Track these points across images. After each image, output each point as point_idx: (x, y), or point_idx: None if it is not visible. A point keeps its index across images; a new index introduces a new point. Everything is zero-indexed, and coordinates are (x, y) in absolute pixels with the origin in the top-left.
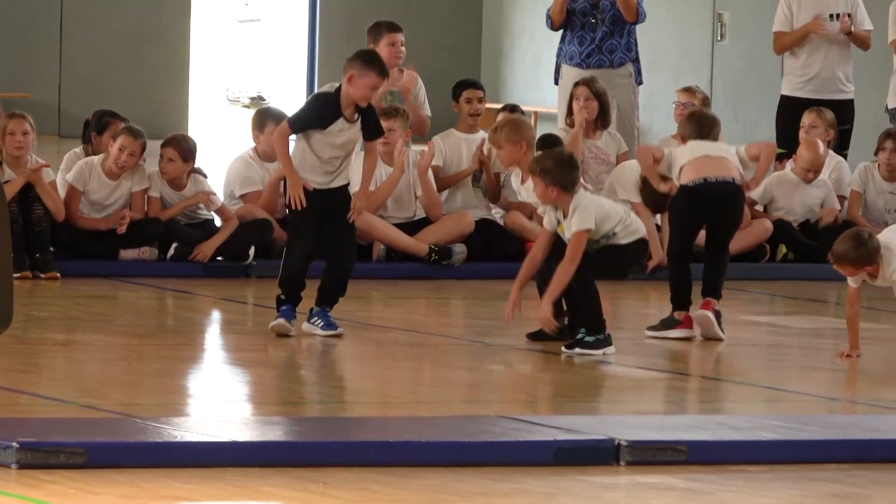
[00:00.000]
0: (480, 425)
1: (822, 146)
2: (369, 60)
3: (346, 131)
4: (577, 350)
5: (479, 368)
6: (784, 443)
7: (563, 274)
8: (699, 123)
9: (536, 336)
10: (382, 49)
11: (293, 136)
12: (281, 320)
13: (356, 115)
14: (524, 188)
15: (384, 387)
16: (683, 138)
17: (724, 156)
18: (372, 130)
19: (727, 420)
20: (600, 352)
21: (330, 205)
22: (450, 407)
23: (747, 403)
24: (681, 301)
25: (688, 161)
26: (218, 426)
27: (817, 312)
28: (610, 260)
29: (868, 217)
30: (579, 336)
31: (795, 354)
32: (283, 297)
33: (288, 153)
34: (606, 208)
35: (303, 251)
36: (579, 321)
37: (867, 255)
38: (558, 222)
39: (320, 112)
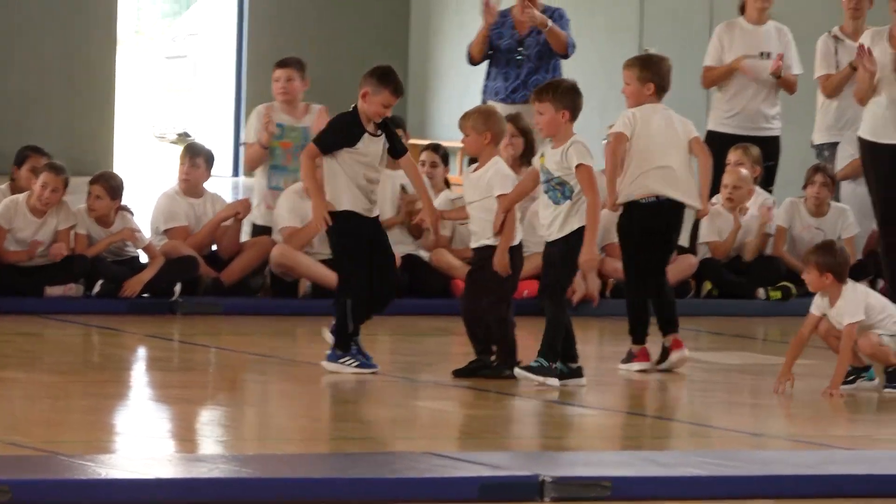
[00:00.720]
0: (406, 461)
1: (744, 172)
2: (384, 78)
3: (372, 145)
4: (522, 372)
5: (405, 405)
6: (709, 479)
7: None
8: None
9: (462, 373)
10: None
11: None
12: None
13: (378, 130)
14: (472, 179)
15: (310, 423)
16: None
17: None
18: (398, 147)
19: (652, 456)
20: (541, 378)
21: (371, 236)
22: (377, 444)
23: (673, 439)
24: (641, 335)
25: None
26: (144, 463)
27: (742, 348)
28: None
29: (794, 253)
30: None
31: (720, 390)
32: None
33: (314, 175)
34: None
35: (362, 277)
36: (503, 359)
37: (834, 263)
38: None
39: (347, 129)
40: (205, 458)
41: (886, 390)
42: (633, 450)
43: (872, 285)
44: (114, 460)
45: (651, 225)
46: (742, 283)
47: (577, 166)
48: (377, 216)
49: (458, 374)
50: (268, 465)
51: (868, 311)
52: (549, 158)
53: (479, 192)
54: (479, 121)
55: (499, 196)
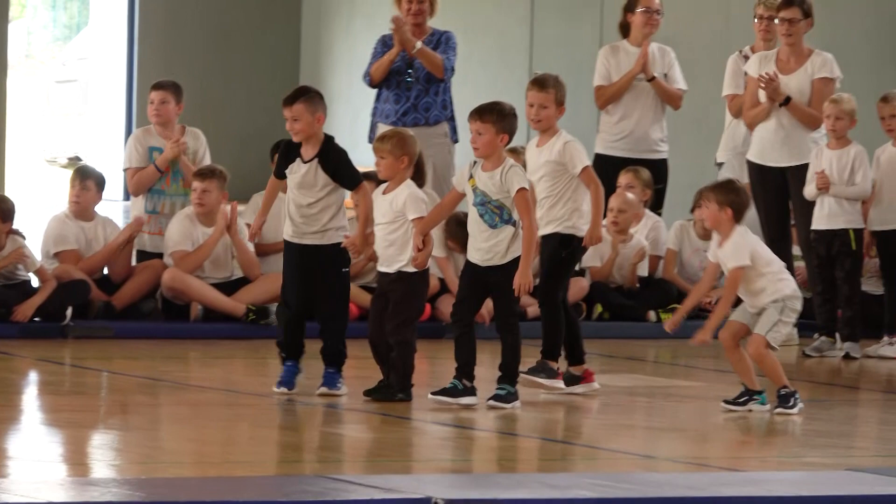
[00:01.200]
0: (298, 485)
1: (630, 196)
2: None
3: (299, 171)
4: (494, 402)
5: (297, 428)
6: (599, 500)
7: None
8: None
9: (372, 393)
10: None
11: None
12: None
13: (313, 156)
14: (382, 201)
15: (201, 447)
16: None
17: None
18: (346, 179)
19: (544, 478)
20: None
21: (306, 263)
22: (267, 467)
23: (564, 461)
24: (579, 355)
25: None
26: (34, 487)
27: (633, 370)
28: None
29: (683, 275)
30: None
31: (611, 412)
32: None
33: (269, 198)
34: None
35: (282, 303)
36: (400, 383)
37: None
38: None
39: (283, 155)
40: (96, 481)
41: (777, 411)
42: (526, 472)
43: None
44: (5, 485)
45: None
46: (633, 306)
47: (518, 191)
48: (310, 243)
49: (368, 393)
50: (159, 488)
51: (754, 259)
52: (481, 181)
53: (389, 214)
54: (397, 145)
55: (415, 219)
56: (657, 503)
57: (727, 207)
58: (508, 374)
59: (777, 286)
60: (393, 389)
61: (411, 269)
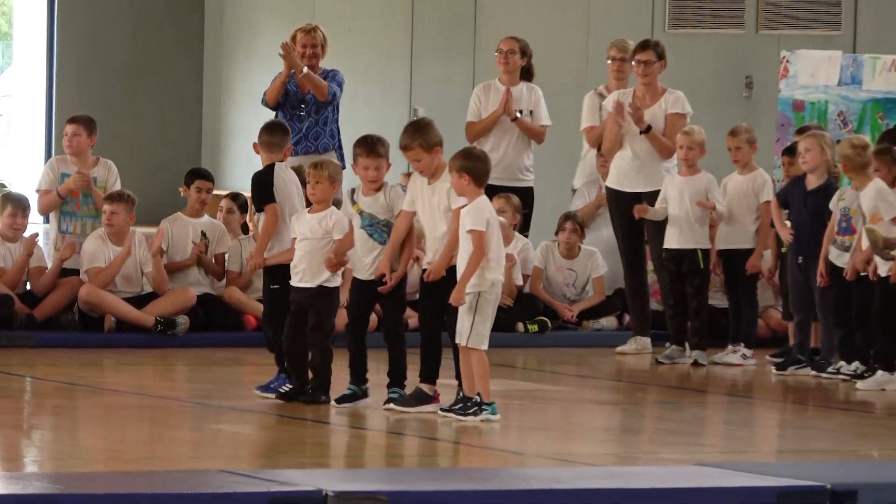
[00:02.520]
0: (202, 479)
1: (502, 220)
2: None
3: None
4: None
5: (203, 428)
6: (473, 492)
7: None
8: None
9: (293, 397)
10: None
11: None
12: None
13: None
14: (308, 220)
15: (114, 445)
16: None
17: None
18: (256, 201)
19: (424, 472)
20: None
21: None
22: (175, 463)
23: (444, 457)
24: (433, 373)
25: None
26: None
27: (504, 376)
28: None
29: (549, 290)
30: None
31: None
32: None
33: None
34: None
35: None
36: (321, 387)
37: (472, 166)
38: None
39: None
40: (20, 476)
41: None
42: (409, 467)
43: (619, 320)
44: None
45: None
46: (504, 318)
47: (401, 211)
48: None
49: (288, 397)
50: (76, 482)
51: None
52: (366, 205)
53: (319, 232)
54: (333, 172)
55: (339, 239)
56: (524, 494)
57: (465, 174)
58: (397, 379)
59: (484, 274)
60: (317, 393)
61: (332, 285)
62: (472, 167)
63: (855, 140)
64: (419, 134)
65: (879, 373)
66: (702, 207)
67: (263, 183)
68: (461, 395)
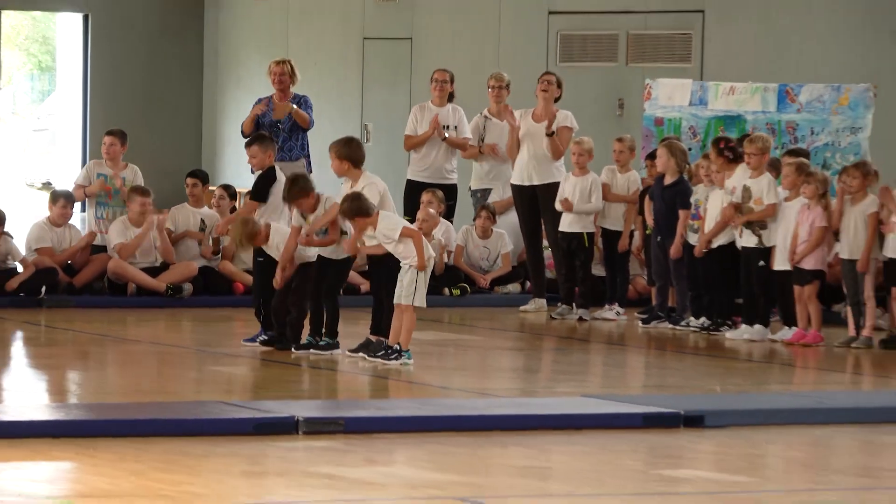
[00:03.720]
0: (203, 408)
1: (431, 210)
2: None
3: None
4: (312, 351)
5: (203, 369)
6: (412, 418)
7: None
8: None
9: (274, 343)
10: None
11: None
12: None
13: None
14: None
15: (136, 382)
16: None
17: None
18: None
19: (371, 403)
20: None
21: None
22: (182, 395)
23: (391, 391)
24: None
25: None
26: (22, 410)
27: (435, 329)
28: None
29: (468, 263)
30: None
31: (422, 358)
32: None
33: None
34: None
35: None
36: (294, 336)
37: (349, 152)
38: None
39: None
40: (64, 405)
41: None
42: (360, 399)
43: (522, 286)
44: (2, 408)
45: None
46: (433, 285)
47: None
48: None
49: (268, 343)
50: (105, 410)
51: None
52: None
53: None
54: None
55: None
56: (449, 420)
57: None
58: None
59: (405, 253)
60: (290, 342)
61: (308, 261)
62: (350, 154)
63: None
64: (338, 144)
65: (744, 325)
66: (564, 206)
67: (268, 178)
68: (384, 343)
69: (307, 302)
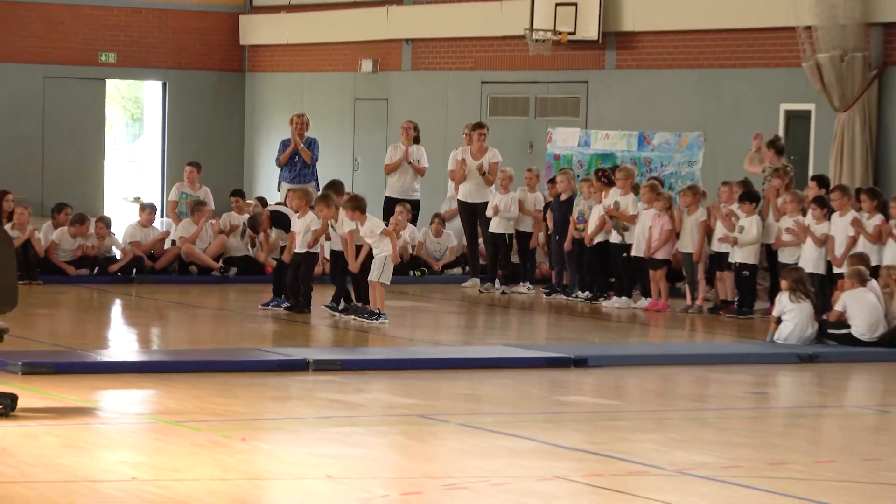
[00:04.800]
0: (242, 353)
1: (400, 217)
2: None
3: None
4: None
5: (243, 325)
6: (388, 360)
7: None
8: None
9: (292, 308)
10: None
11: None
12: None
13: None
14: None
15: (197, 335)
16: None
17: None
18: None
19: (360, 349)
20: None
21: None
22: (228, 344)
23: (373, 343)
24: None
25: None
26: (119, 353)
27: (401, 300)
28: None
29: (427, 253)
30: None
31: (396, 319)
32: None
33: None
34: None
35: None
36: (305, 303)
37: (354, 203)
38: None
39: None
40: (148, 351)
41: (369, 322)
42: (352, 346)
43: (463, 269)
44: (105, 353)
45: None
46: (402, 268)
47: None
48: (335, 251)
49: (292, 309)
50: (176, 354)
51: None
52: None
53: (300, 227)
54: (306, 196)
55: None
56: (414, 362)
57: (356, 210)
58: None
59: (381, 247)
60: (303, 308)
61: (314, 251)
62: (358, 206)
63: (651, 183)
64: (350, 203)
65: (615, 297)
66: (493, 214)
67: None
68: (367, 308)
69: (311, 279)
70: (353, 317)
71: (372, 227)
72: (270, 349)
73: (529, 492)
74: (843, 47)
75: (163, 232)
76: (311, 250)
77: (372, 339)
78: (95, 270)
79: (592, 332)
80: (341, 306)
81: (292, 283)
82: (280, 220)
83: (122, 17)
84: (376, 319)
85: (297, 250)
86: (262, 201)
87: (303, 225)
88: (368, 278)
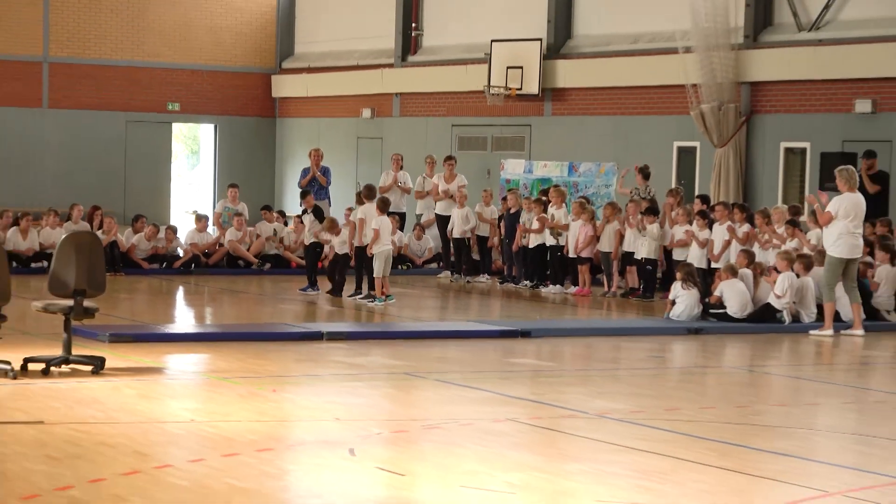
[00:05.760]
0: (275, 327)
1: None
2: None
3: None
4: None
5: (276, 306)
6: (385, 332)
7: None
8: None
9: (334, 293)
10: None
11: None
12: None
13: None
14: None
15: (242, 312)
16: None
17: None
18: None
19: (368, 324)
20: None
21: None
22: (263, 319)
23: (377, 321)
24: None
25: None
26: (180, 327)
27: (394, 287)
28: None
29: (412, 252)
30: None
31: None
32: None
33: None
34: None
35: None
36: (338, 290)
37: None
38: None
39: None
40: (204, 325)
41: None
42: (362, 321)
43: (438, 265)
44: (171, 327)
45: None
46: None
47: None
48: (361, 246)
49: (334, 294)
50: (224, 327)
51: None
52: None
53: (341, 243)
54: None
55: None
56: (403, 333)
57: (379, 209)
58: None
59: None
60: (336, 293)
61: (344, 252)
62: (383, 207)
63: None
64: (365, 189)
65: (551, 285)
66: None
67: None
68: (373, 293)
69: (346, 271)
70: (367, 300)
71: (369, 228)
72: (294, 324)
73: (487, 430)
74: (720, 100)
75: (215, 236)
76: (346, 253)
77: (371, 316)
78: (164, 265)
79: (534, 312)
80: (361, 294)
81: (330, 272)
82: (319, 213)
83: (185, 76)
84: (384, 301)
85: (338, 251)
86: (282, 213)
87: (338, 240)
88: (374, 273)
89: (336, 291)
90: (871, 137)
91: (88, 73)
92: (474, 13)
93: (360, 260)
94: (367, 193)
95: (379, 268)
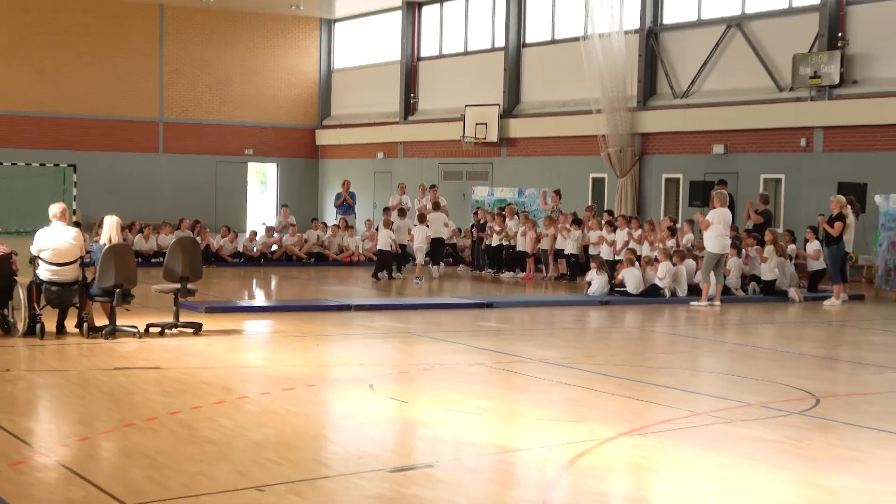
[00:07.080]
0: (317, 301)
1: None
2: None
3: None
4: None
5: (319, 288)
6: (393, 304)
7: None
8: None
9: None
10: None
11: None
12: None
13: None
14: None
15: (292, 291)
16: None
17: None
18: None
19: (384, 298)
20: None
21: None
22: (310, 296)
23: (391, 295)
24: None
25: None
26: (250, 304)
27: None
28: None
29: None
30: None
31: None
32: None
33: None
34: None
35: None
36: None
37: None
38: None
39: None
40: (249, 303)
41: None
42: (382, 298)
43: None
44: (250, 301)
45: None
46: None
47: None
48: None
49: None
50: (281, 302)
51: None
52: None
53: (383, 241)
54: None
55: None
56: (404, 305)
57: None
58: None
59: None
60: (376, 277)
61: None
62: (421, 220)
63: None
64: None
65: (507, 272)
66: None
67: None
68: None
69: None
70: (414, 280)
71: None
72: (332, 299)
73: (464, 371)
74: (621, 145)
75: (277, 239)
76: (387, 249)
77: (386, 294)
78: (242, 260)
79: (495, 290)
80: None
81: (379, 264)
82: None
83: (256, 131)
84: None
85: (380, 248)
86: (324, 224)
87: (381, 238)
88: (416, 262)
89: (376, 275)
90: (724, 170)
91: (190, 129)
92: (454, 87)
93: (404, 254)
94: (400, 214)
95: (421, 258)
